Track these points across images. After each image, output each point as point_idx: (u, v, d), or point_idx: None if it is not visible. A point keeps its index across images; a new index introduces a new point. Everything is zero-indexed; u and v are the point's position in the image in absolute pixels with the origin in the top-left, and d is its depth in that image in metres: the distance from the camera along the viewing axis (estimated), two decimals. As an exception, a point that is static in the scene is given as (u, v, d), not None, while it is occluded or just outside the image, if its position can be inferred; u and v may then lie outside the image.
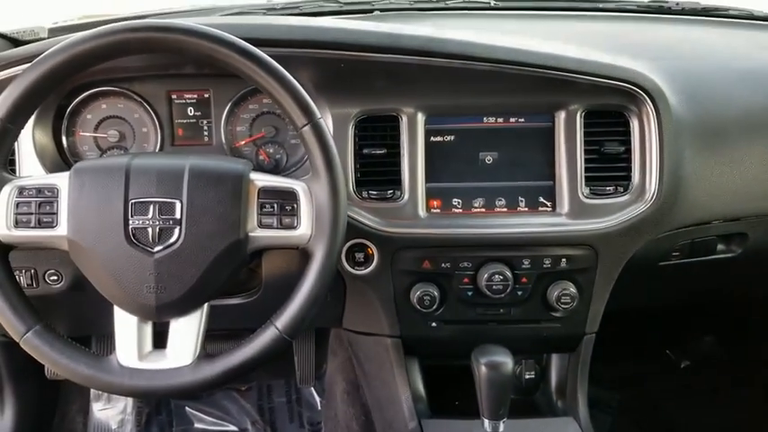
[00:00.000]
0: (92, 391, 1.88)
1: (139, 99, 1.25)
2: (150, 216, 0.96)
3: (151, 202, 0.96)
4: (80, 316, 1.33)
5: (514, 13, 1.71)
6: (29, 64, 1.11)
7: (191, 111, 1.27)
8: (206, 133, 1.27)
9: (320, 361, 1.81)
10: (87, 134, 1.26)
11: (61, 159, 1.23)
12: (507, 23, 1.64)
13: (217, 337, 1.28)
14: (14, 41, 1.52)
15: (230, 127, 1.27)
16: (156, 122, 1.26)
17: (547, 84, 1.21)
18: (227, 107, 1.26)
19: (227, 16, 1.52)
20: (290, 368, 1.78)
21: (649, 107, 1.20)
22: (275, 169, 1.28)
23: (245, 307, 1.29)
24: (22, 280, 1.19)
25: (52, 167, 1.20)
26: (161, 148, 1.26)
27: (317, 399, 1.93)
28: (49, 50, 0.96)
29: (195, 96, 1.26)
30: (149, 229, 0.96)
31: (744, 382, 1.96)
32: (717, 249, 1.38)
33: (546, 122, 1.24)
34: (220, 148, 1.27)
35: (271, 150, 1.28)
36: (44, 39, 1.57)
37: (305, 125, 0.98)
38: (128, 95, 1.25)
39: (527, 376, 1.37)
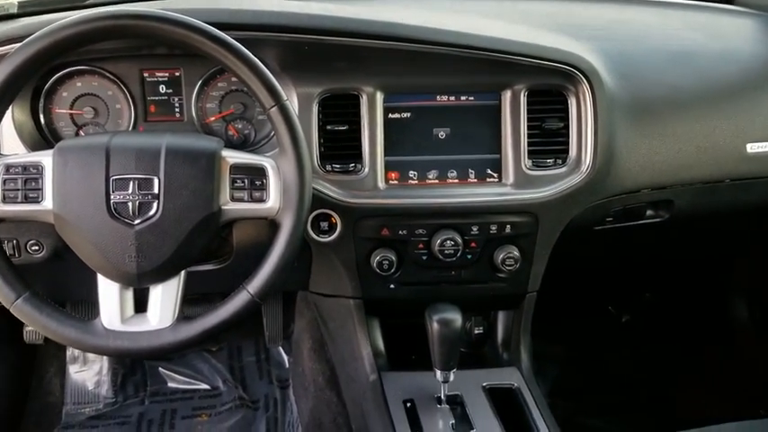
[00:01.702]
0: (68, 353, 1.96)
1: (113, 77, 1.32)
2: (130, 191, 1.04)
3: (131, 179, 1.05)
4: (57, 283, 1.41)
5: None
6: (6, 47, 1.19)
7: (162, 88, 1.34)
8: (177, 110, 1.35)
9: (287, 322, 1.93)
10: (63, 111, 1.32)
11: (40, 136, 1.30)
12: (461, 4, 1.73)
13: (192, 301, 1.38)
14: (-18, 18, 1.56)
15: (200, 104, 1.35)
16: (130, 100, 1.33)
17: (494, 65, 1.31)
18: (198, 85, 1.33)
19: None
20: (258, 329, 1.89)
21: (585, 87, 1.32)
22: (244, 144, 1.37)
23: (218, 272, 1.39)
24: (5, 249, 1.26)
25: (32, 144, 1.26)
26: (134, 125, 1.33)
27: (285, 357, 2.05)
28: (32, 37, 1.02)
29: (167, 75, 1.33)
30: (129, 204, 1.04)
31: (675, 334, 2.15)
32: (646, 215, 1.52)
33: (493, 101, 1.35)
34: (191, 123, 1.35)
35: (239, 126, 1.37)
36: (14, 14, 1.61)
37: (272, 107, 1.08)
38: (102, 74, 1.32)
39: (476, 331, 1.51)
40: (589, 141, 1.33)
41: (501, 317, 1.50)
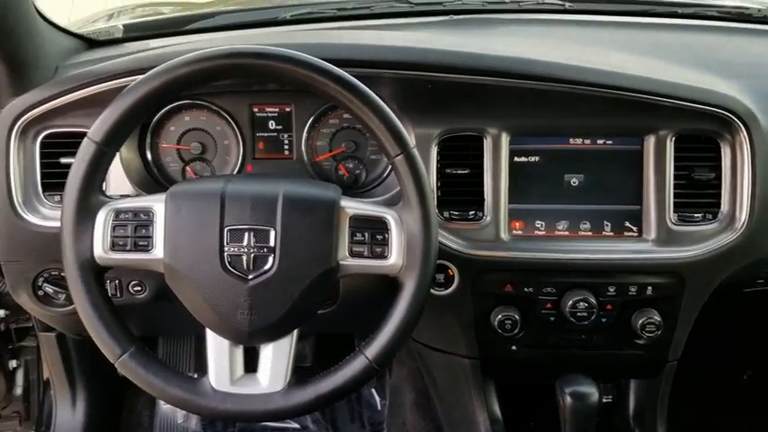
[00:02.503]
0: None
1: (222, 112, 1.25)
2: (245, 243, 0.96)
3: (246, 230, 0.97)
4: (155, 320, 1.36)
5: (588, 19, 1.66)
6: (121, 80, 1.14)
7: (272, 125, 1.27)
8: (286, 147, 1.27)
9: None
10: (170, 146, 1.27)
11: (147, 173, 1.25)
12: (582, 31, 1.60)
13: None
14: (89, 42, 1.54)
15: (311, 141, 1.27)
16: (239, 135, 1.26)
17: (637, 107, 1.18)
18: (309, 122, 1.26)
19: (294, 24, 1.51)
20: None
21: (742, 134, 1.17)
22: (354, 185, 1.28)
23: (322, 317, 1.30)
24: (107, 290, 1.21)
25: (138, 182, 1.21)
26: (242, 162, 1.27)
27: (378, 399, 1.94)
28: (145, 76, 0.96)
29: (277, 111, 1.26)
30: (244, 257, 0.96)
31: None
32: (806, 276, 1.34)
33: (634, 146, 1.21)
34: (300, 162, 1.27)
35: (350, 166, 1.28)
36: (119, 39, 1.59)
37: (398, 155, 0.98)
38: (211, 108, 1.26)
39: (605, 400, 1.36)
40: (745, 195, 1.18)
41: (634, 385, 1.35)
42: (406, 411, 1.65)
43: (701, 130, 1.19)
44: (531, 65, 1.17)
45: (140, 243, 0.99)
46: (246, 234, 0.97)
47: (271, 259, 0.96)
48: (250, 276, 0.96)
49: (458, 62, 1.16)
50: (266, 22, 1.64)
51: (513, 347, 1.24)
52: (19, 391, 1.79)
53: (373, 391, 1.94)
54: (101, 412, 1.74)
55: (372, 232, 1.00)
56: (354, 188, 1.28)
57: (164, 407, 1.90)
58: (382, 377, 1.87)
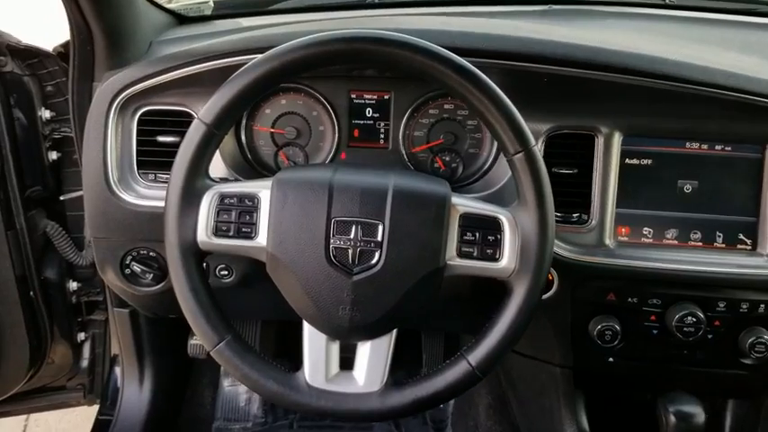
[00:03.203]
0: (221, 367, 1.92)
1: (320, 97, 1.21)
2: (352, 236, 0.92)
3: (353, 222, 0.92)
4: (241, 305, 1.33)
5: (690, 15, 1.57)
6: (222, 60, 1.11)
7: (369, 112, 1.22)
8: (382, 136, 1.22)
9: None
10: (265, 129, 1.23)
11: (240, 155, 1.21)
12: (685, 28, 1.51)
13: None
14: (180, 17, 1.52)
15: (408, 131, 1.22)
16: (335, 122, 1.22)
17: (761, 112, 1.10)
18: (408, 111, 1.20)
19: (381, 8, 1.46)
20: (416, 360, 1.75)
21: None
22: (450, 179, 1.22)
23: None
24: (211, 287, 1.19)
25: (232, 164, 1.18)
26: (337, 148, 1.22)
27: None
28: (258, 59, 0.92)
29: (375, 98, 1.21)
30: (350, 250, 0.92)
31: None
32: None
33: (755, 153, 1.14)
34: (396, 152, 1.22)
35: (447, 159, 1.22)
36: (209, 16, 1.56)
37: (518, 152, 0.92)
38: (308, 92, 1.21)
39: (699, 419, 1.29)
40: None
41: (731, 405, 1.27)
42: (479, 415, 1.60)
43: None
44: (659, 63, 1.10)
45: (244, 230, 0.95)
46: (354, 227, 0.92)
47: (377, 254, 0.92)
48: (355, 271, 0.92)
49: (578, 56, 1.09)
50: (355, 5, 1.59)
51: (611, 359, 1.18)
52: (85, 363, 1.79)
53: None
54: (166, 390, 1.73)
55: (484, 232, 0.95)
56: (450, 182, 1.22)
57: (227, 389, 1.89)
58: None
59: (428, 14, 1.54)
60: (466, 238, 0.95)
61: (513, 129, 0.92)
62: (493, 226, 0.95)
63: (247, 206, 0.96)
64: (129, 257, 1.20)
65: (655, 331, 1.14)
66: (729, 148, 1.14)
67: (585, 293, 1.15)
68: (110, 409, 1.70)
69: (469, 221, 0.95)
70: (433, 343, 1.76)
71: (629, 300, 1.14)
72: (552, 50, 1.10)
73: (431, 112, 1.21)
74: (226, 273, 1.21)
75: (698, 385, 1.18)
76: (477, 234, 0.95)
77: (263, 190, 0.96)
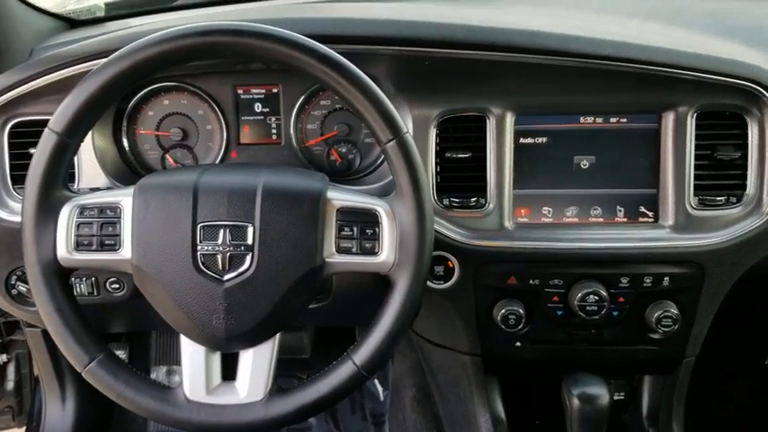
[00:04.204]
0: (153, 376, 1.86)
1: (204, 95, 1.16)
2: (220, 241, 0.88)
3: (221, 226, 0.88)
4: (142, 315, 1.28)
5: None
6: (84, 64, 1.05)
7: (258, 107, 1.17)
8: (274, 131, 1.18)
9: None
10: (149, 132, 1.18)
11: (123, 163, 1.16)
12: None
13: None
14: (71, 22, 1.45)
15: (300, 125, 1.17)
16: (222, 119, 1.17)
17: (656, 81, 1.07)
18: (298, 103, 1.16)
19: (293, 2, 1.41)
20: None
21: None
22: (347, 171, 1.19)
23: (314, 311, 1.22)
24: (83, 288, 1.14)
25: (114, 173, 1.13)
26: (226, 148, 1.18)
27: (380, 389, 1.87)
28: (106, 60, 0.87)
29: (263, 92, 1.17)
30: (219, 256, 0.88)
31: None
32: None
33: (651, 123, 1.11)
34: (289, 147, 1.17)
35: (343, 150, 1.18)
36: (101, 18, 1.49)
37: (390, 140, 0.88)
38: (191, 91, 1.16)
39: (616, 397, 1.27)
40: None
41: (647, 382, 1.26)
42: (406, 407, 1.57)
43: (726, 105, 1.09)
44: (541, 37, 1.07)
45: (107, 242, 0.90)
46: (222, 231, 0.88)
47: (249, 258, 0.88)
48: (226, 277, 0.88)
49: (455, 36, 1.05)
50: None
51: (518, 344, 1.15)
52: (10, 385, 1.74)
53: (376, 381, 1.87)
54: (92, 409, 1.68)
55: (362, 226, 0.91)
56: (348, 174, 1.19)
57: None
58: (384, 366, 1.79)
59: (334, 2, 1.49)
60: (344, 233, 0.91)
61: (383, 117, 0.88)
62: (371, 219, 0.91)
63: (109, 217, 0.90)
64: (14, 277, 1.14)
65: (559, 312, 1.12)
66: (625, 120, 1.11)
67: (487, 279, 1.12)
68: (35, 431, 1.64)
69: (347, 216, 0.91)
70: None
71: (531, 282, 1.11)
72: (430, 32, 1.06)
73: (322, 103, 1.17)
74: (117, 286, 1.15)
75: (609, 365, 1.16)
76: (356, 228, 0.91)
77: (124, 198, 0.91)
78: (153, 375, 0.95)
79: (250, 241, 0.88)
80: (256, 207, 0.88)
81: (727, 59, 1.08)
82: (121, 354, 1.67)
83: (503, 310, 1.12)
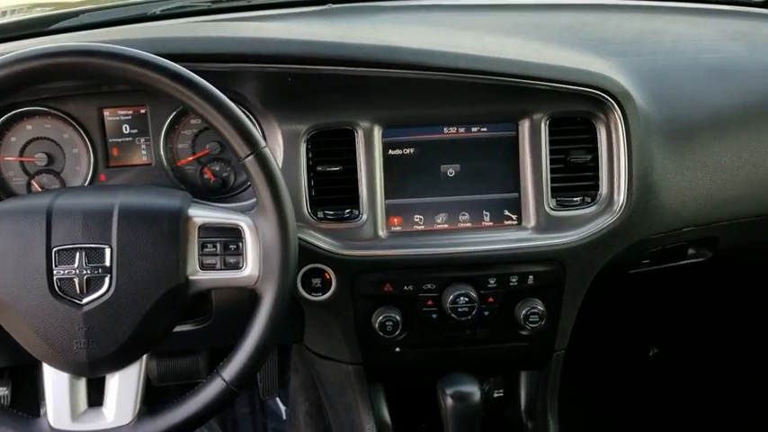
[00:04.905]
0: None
1: (68, 118, 1.14)
2: (76, 265, 0.86)
3: (77, 249, 0.87)
4: (11, 347, 1.24)
5: (477, 3, 1.62)
6: None
7: (126, 128, 1.16)
8: (144, 152, 1.17)
9: (284, 370, 1.74)
10: (12, 159, 1.15)
11: None
12: (470, 16, 1.55)
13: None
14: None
15: (170, 145, 1.17)
16: (88, 143, 1.15)
17: (510, 91, 1.13)
18: (166, 123, 1.16)
19: (165, 19, 1.41)
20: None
21: (616, 113, 1.14)
22: (222, 189, 1.19)
23: (198, 333, 1.21)
24: None
25: (-25, 200, 1.09)
26: (95, 171, 1.16)
27: (283, 408, 1.86)
28: None
29: (130, 112, 1.16)
30: (76, 280, 0.86)
31: (718, 375, 1.94)
32: (688, 254, 1.33)
33: (510, 131, 1.17)
34: (160, 168, 1.17)
35: (217, 168, 1.19)
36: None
37: (248, 155, 0.90)
38: (55, 114, 1.14)
39: (495, 395, 1.32)
40: (622, 176, 1.15)
41: (524, 378, 1.31)
42: (300, 423, 1.57)
43: (575, 112, 1.16)
44: (399, 53, 1.11)
45: None
46: (78, 254, 0.87)
47: (107, 280, 0.87)
48: (84, 301, 0.87)
49: (315, 52, 1.08)
50: (135, 19, 1.52)
51: (397, 349, 1.18)
52: None
53: (278, 400, 1.86)
54: None
55: (225, 242, 0.92)
56: (223, 192, 1.19)
57: None
58: (286, 384, 1.79)
59: (211, 22, 1.49)
60: (207, 250, 0.92)
61: (240, 132, 0.89)
62: (233, 234, 0.92)
63: None
64: None
65: (434, 315, 1.16)
66: (485, 129, 1.17)
67: (364, 288, 1.14)
68: None
69: (209, 232, 0.92)
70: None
71: (406, 288, 1.14)
72: (290, 49, 1.08)
73: (193, 122, 1.17)
74: None
75: (485, 363, 1.20)
76: (219, 244, 0.92)
77: None
78: (42, 411, 0.93)
79: (108, 263, 0.87)
80: (113, 228, 0.88)
81: (575, 69, 1.15)
82: (3, 390, 1.59)
83: (380, 318, 1.15)
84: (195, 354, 1.64)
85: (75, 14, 1.52)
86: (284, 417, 1.85)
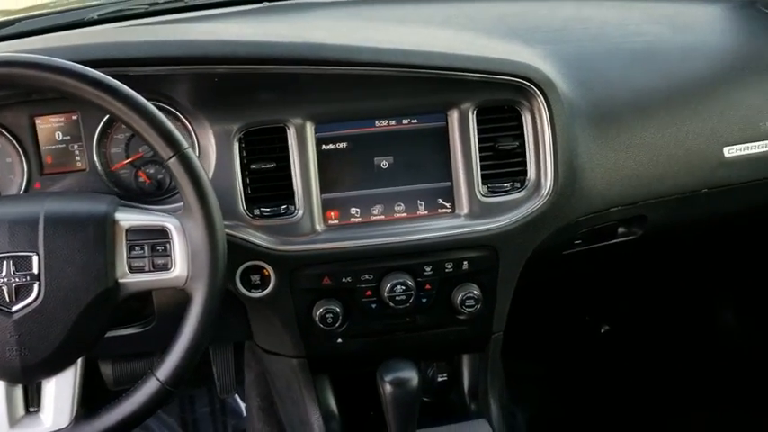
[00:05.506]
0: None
1: None
2: (4, 273, 0.88)
3: (4, 258, 0.88)
4: None
5: None
6: None
7: (59, 135, 1.17)
8: (78, 158, 1.17)
9: (241, 367, 1.76)
10: None
11: None
12: (402, 9, 1.57)
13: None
14: None
15: (104, 149, 1.18)
16: (21, 151, 1.15)
17: (437, 83, 1.16)
18: (98, 128, 1.16)
19: (102, 24, 1.41)
20: (211, 376, 1.72)
21: (540, 100, 1.17)
22: (158, 191, 1.20)
23: (142, 335, 1.22)
24: None
25: None
26: (29, 179, 1.16)
27: (242, 405, 1.88)
28: None
29: (62, 119, 1.16)
30: (5, 288, 0.88)
31: (660, 344, 2.01)
32: (618, 233, 1.38)
33: (439, 122, 1.20)
34: (95, 172, 1.17)
35: (151, 171, 1.20)
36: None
37: (171, 157, 0.91)
38: None
39: (439, 379, 1.36)
40: (548, 160, 1.19)
41: (466, 361, 1.35)
42: (253, 418, 1.60)
43: (501, 101, 1.19)
44: (325, 49, 1.13)
45: None
46: (5, 263, 0.88)
47: (36, 287, 0.88)
48: (14, 309, 0.88)
49: (236, 52, 1.09)
50: (72, 24, 1.51)
51: (339, 340, 1.21)
52: None
53: (237, 397, 1.88)
54: None
55: (153, 244, 0.93)
56: (158, 195, 1.20)
57: None
58: (243, 382, 1.80)
59: (146, 25, 1.49)
60: (135, 252, 0.93)
61: (161, 134, 0.91)
62: (161, 236, 0.94)
63: None
64: None
65: (373, 305, 1.19)
66: (416, 121, 1.20)
67: (303, 282, 1.16)
68: None
69: (136, 235, 0.94)
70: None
71: (344, 280, 1.17)
72: (212, 50, 1.10)
73: (124, 126, 1.18)
74: None
75: (426, 349, 1.23)
76: (146, 246, 0.93)
77: None
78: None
79: (36, 270, 0.88)
80: (39, 235, 0.89)
81: (498, 59, 1.18)
82: None
83: (321, 310, 1.17)
84: (150, 356, 1.66)
85: (12, 23, 1.51)
86: (244, 413, 1.87)
